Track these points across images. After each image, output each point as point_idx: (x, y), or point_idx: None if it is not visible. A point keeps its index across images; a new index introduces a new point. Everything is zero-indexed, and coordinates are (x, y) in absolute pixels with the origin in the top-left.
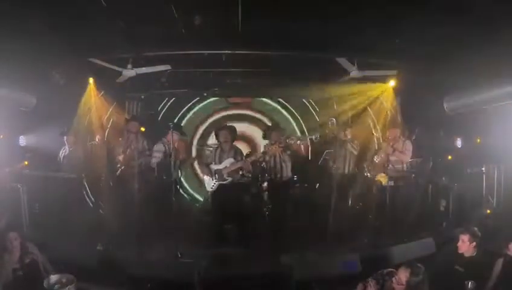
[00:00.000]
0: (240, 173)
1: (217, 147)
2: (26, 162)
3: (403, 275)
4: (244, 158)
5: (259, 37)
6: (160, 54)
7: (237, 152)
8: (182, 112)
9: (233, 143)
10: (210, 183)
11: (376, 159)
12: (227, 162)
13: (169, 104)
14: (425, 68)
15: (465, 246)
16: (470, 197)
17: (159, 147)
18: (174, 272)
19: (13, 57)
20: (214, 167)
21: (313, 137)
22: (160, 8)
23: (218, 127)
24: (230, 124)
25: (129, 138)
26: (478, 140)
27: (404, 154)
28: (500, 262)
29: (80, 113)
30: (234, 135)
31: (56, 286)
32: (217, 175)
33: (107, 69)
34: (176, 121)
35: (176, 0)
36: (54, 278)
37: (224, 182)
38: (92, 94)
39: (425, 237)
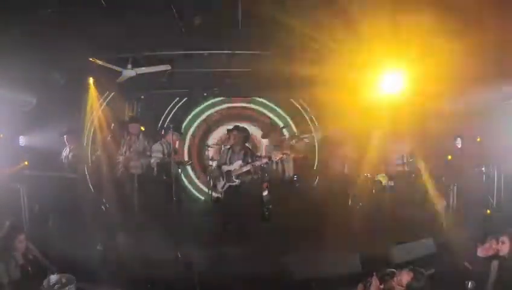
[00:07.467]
0: (249, 176)
1: (229, 148)
2: (26, 162)
3: (404, 277)
4: (254, 161)
5: (259, 37)
6: (160, 54)
7: (247, 154)
8: (181, 112)
9: (245, 144)
10: (220, 184)
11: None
12: (237, 164)
13: (170, 104)
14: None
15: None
16: (470, 197)
17: (157, 147)
18: (174, 272)
19: (13, 57)
20: (226, 167)
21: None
22: (160, 8)
23: (229, 128)
24: (242, 126)
25: (130, 138)
26: (478, 140)
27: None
28: (496, 262)
29: (80, 113)
30: (245, 136)
31: (56, 286)
32: (226, 176)
33: (107, 69)
34: (175, 120)
35: (176, 0)
36: (54, 278)
37: (233, 184)
38: (91, 94)
39: (425, 237)
